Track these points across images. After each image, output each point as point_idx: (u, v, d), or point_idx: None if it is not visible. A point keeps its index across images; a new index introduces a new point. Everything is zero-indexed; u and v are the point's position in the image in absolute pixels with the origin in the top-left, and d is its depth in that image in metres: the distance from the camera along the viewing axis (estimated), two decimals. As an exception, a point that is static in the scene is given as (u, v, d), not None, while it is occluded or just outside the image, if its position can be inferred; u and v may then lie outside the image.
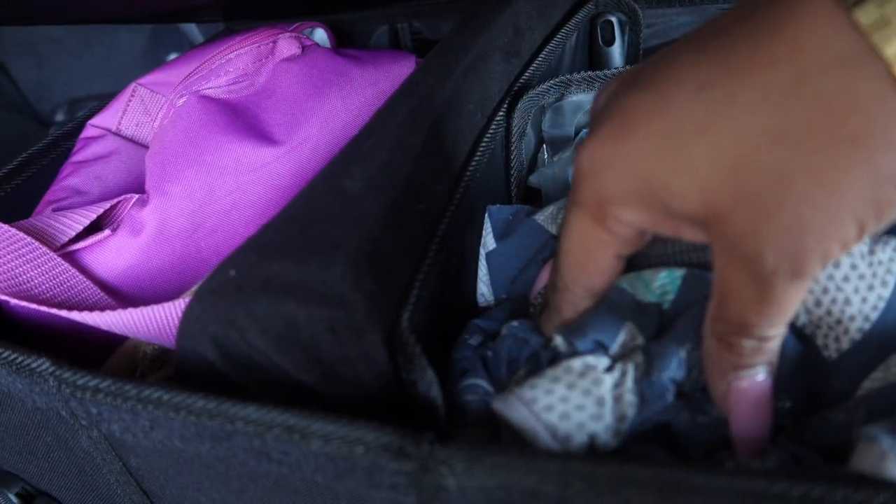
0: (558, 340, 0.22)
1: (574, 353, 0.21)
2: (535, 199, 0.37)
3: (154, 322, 0.27)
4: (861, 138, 0.16)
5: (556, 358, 0.22)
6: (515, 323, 0.24)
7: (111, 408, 0.23)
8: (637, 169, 0.19)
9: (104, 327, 0.28)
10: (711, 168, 0.18)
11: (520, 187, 0.37)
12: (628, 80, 0.20)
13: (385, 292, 0.23)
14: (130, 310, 0.27)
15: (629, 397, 0.20)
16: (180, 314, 0.26)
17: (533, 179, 0.37)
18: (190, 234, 0.33)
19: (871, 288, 0.20)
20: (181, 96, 0.35)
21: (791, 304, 0.18)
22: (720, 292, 0.19)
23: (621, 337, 0.21)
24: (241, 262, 0.23)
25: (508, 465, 0.18)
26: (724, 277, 0.19)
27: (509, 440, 0.21)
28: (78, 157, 0.38)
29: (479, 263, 0.32)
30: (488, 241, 0.32)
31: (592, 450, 0.20)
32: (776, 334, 0.19)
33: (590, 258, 0.22)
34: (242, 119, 0.35)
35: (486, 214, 0.33)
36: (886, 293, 0.20)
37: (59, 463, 0.30)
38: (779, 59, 0.17)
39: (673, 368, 0.20)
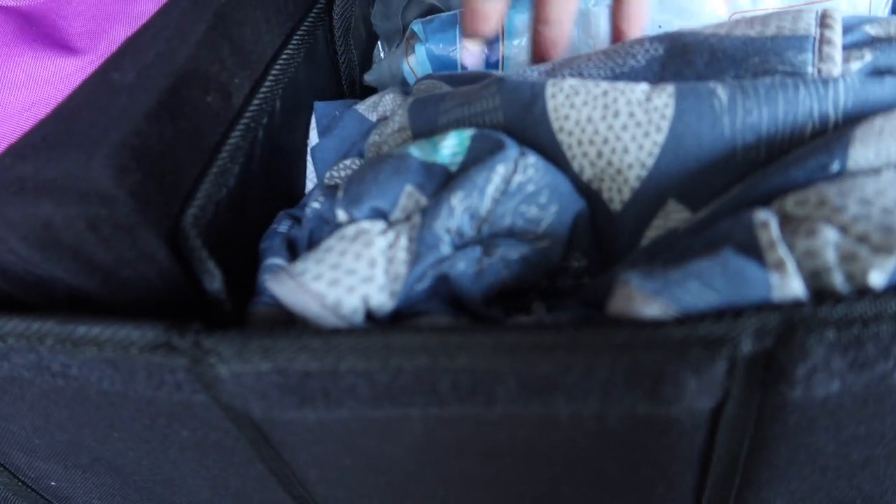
0: (340, 214, 0.21)
1: (352, 223, 0.21)
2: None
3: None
4: None
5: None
6: (317, 204, 0.23)
7: None
8: None
9: None
10: None
11: (354, 86, 0.35)
12: None
13: (160, 188, 0.21)
14: None
15: (402, 255, 0.20)
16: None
17: (368, 77, 0.36)
18: (-15, 156, 0.30)
19: (646, 135, 0.20)
20: (-39, 6, 0.31)
21: None
22: None
23: (402, 201, 0.21)
24: (-3, 168, 0.21)
25: (275, 346, 0.18)
26: None
27: (300, 321, 0.21)
28: None
29: (306, 160, 0.30)
30: (312, 137, 0.30)
31: (369, 315, 0.20)
32: None
33: None
34: (36, 28, 0.32)
35: (314, 112, 0.31)
36: (661, 139, 0.20)
37: None
38: None
39: (444, 217, 0.20)
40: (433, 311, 0.20)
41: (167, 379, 0.20)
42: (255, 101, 0.26)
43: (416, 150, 0.22)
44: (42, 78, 0.31)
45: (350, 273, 0.19)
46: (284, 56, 0.29)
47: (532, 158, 0.21)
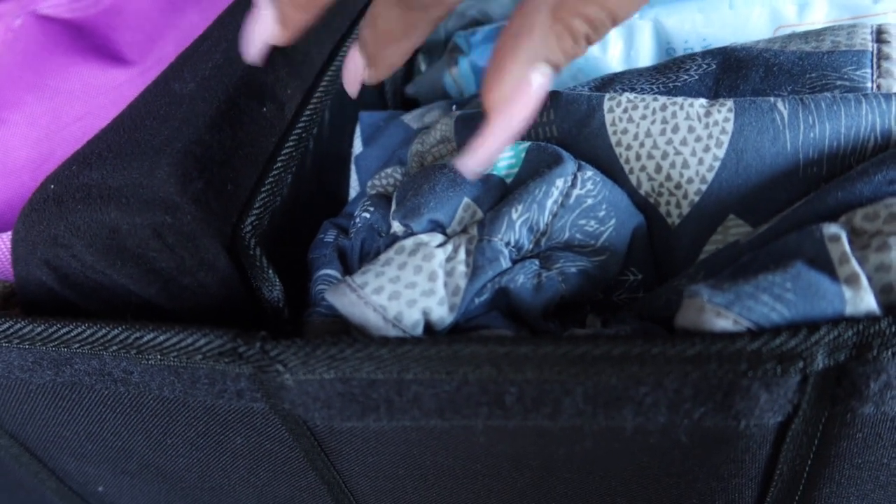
0: (396, 226, 0.22)
1: (410, 235, 0.21)
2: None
3: (-6, 255, 0.26)
4: None
5: (394, 242, 0.21)
6: (367, 214, 0.23)
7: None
8: None
9: (-59, 265, 0.26)
10: None
11: (396, 98, 0.36)
12: None
13: (221, 197, 0.22)
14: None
15: (461, 268, 0.20)
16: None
17: (409, 89, 0.36)
18: (38, 164, 0.30)
19: (706, 149, 0.20)
20: (17, 17, 0.32)
21: None
22: None
23: (459, 213, 0.21)
24: (61, 175, 0.21)
25: (341, 355, 0.18)
26: None
27: (356, 331, 0.21)
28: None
29: (350, 169, 0.31)
30: (357, 146, 0.31)
31: (428, 328, 0.20)
32: (622, 15, 0.17)
33: None
34: (89, 39, 0.32)
35: (359, 122, 0.32)
36: (721, 153, 0.20)
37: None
38: None
39: (504, 230, 0.20)
40: (492, 324, 0.20)
41: (229, 386, 0.20)
42: (307, 112, 0.27)
43: None
44: (95, 88, 0.31)
45: (410, 286, 0.19)
46: (332, 69, 0.29)
47: (590, 172, 0.21)
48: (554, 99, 0.23)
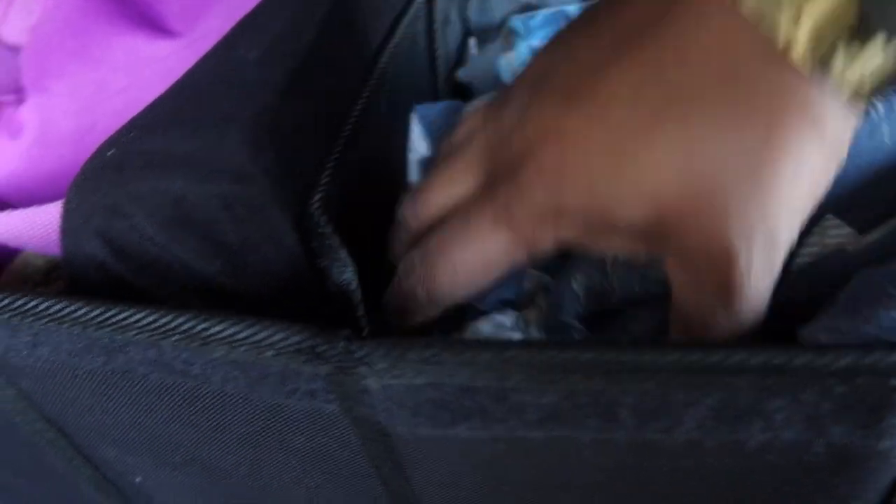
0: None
1: (480, 314, 0.20)
2: (464, 96, 0.35)
3: (38, 227, 0.24)
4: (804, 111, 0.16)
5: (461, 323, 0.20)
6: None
7: (-14, 322, 0.20)
8: (583, 182, 0.18)
9: (-20, 237, 0.25)
10: (664, 170, 0.17)
11: (447, 83, 0.34)
12: (548, 90, 0.19)
13: (290, 169, 0.20)
14: (8, 212, 0.24)
15: None
16: (66, 215, 0.23)
17: (462, 74, 0.35)
18: (80, 137, 0.29)
19: None
20: (59, -16, 0.31)
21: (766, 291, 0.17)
22: (684, 313, 0.18)
23: (525, 286, 0.21)
24: (121, 140, 0.20)
25: (436, 359, 0.16)
26: (688, 296, 0.18)
27: None
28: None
29: (409, 169, 0.29)
30: (419, 146, 0.29)
31: None
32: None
33: (485, 272, 0.20)
34: (133, 8, 0.31)
35: (414, 115, 0.30)
36: None
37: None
38: (710, 52, 0.16)
39: (568, 306, 0.20)
40: None
41: (300, 386, 0.18)
42: (367, 89, 0.25)
43: None
44: (139, 59, 0.30)
45: None
46: (392, 44, 0.28)
47: None
48: None
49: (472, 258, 0.20)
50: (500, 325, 0.20)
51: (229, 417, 0.21)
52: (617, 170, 0.17)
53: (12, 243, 0.25)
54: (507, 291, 0.21)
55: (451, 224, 0.21)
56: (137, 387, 0.21)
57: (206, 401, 0.21)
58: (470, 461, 0.19)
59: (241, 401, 0.20)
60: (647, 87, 0.17)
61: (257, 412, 0.20)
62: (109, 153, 0.20)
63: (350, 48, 0.25)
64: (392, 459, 0.20)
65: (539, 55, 0.21)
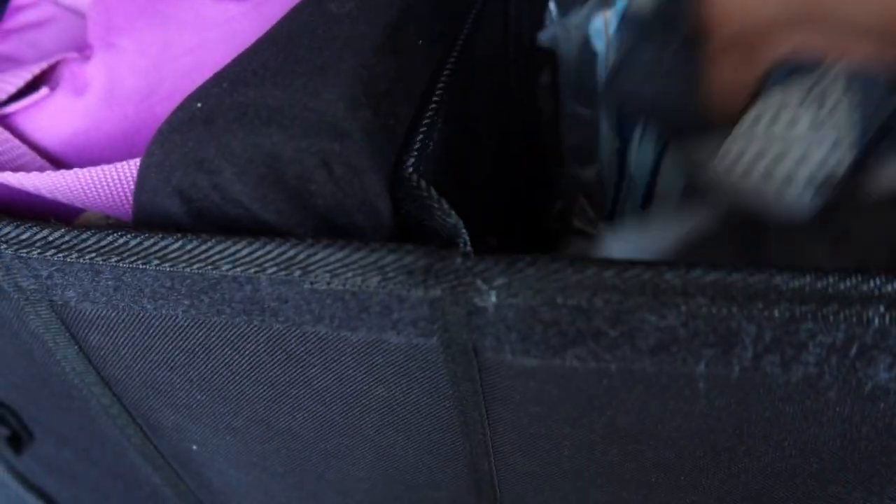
0: None
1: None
2: (545, 62, 0.33)
3: (105, 185, 0.23)
4: None
5: None
6: None
7: (65, 266, 0.19)
8: None
9: (46, 194, 0.24)
10: None
11: (519, 52, 0.33)
12: None
13: (385, 129, 0.19)
14: (76, 170, 0.23)
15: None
16: (136, 175, 0.22)
17: (544, 37, 0.33)
18: (145, 96, 0.28)
19: None
20: (127, -62, 0.30)
21: None
22: None
23: None
24: (210, 93, 0.19)
25: (558, 276, 0.15)
26: None
27: None
28: (6, 24, 0.33)
29: None
30: None
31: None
32: None
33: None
34: (201, -33, 0.30)
35: None
36: None
37: (4, 355, 0.26)
38: None
39: None
40: None
41: (404, 316, 0.17)
42: (453, 54, 0.24)
43: None
44: (207, 19, 0.29)
45: None
46: (474, 11, 0.27)
47: None
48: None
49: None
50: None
51: (311, 367, 0.20)
52: None
53: (76, 203, 0.24)
54: None
55: None
56: (215, 338, 0.20)
57: (291, 346, 0.20)
58: (569, 401, 0.18)
59: (330, 344, 0.19)
60: None
61: (345, 356, 0.19)
62: (198, 105, 0.19)
63: (436, 9, 0.24)
64: (481, 402, 0.19)
65: None
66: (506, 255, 0.16)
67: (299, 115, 0.18)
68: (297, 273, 0.17)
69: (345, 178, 0.18)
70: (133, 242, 0.18)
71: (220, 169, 0.18)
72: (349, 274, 0.16)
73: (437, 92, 0.22)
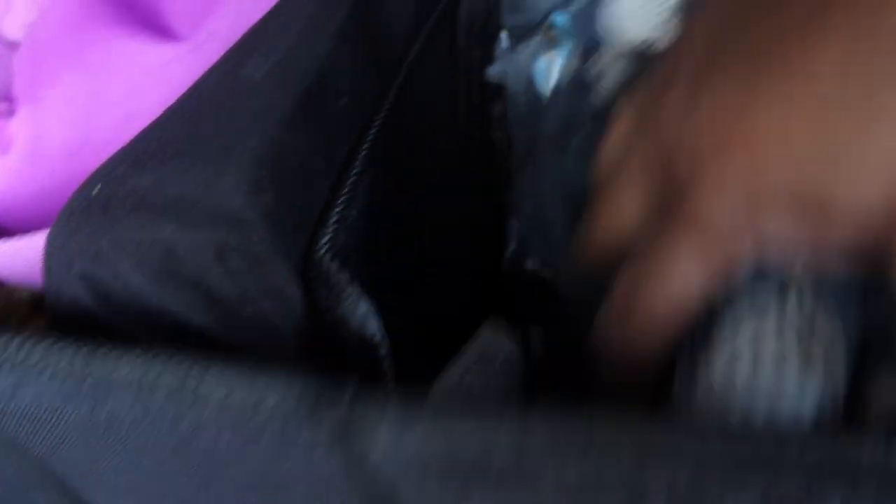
0: None
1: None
2: (493, 94, 0.32)
3: (23, 257, 0.22)
4: None
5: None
6: None
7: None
8: (790, 162, 0.15)
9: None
10: None
11: (470, 85, 0.32)
12: (721, 74, 0.16)
13: (293, 209, 0.18)
14: (-10, 243, 0.22)
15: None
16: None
17: (493, 72, 0.32)
18: (75, 150, 0.27)
19: None
20: (56, -19, 0.29)
21: None
22: None
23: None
24: (109, 175, 0.18)
25: (451, 420, 0.14)
26: None
27: None
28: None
29: None
30: None
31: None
32: None
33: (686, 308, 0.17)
34: (135, 9, 0.29)
35: None
36: None
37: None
38: None
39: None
40: None
41: (299, 446, 0.16)
42: (386, 105, 0.23)
43: None
44: (140, 65, 0.28)
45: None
46: (413, 54, 0.26)
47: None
48: None
49: (673, 293, 0.17)
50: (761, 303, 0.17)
51: (220, 472, 0.19)
52: (834, 147, 0.14)
53: (-3, 272, 0.23)
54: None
55: (635, 267, 0.18)
56: (126, 436, 0.20)
57: (197, 457, 0.19)
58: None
59: (234, 457, 0.18)
60: (857, 59, 0.14)
61: (252, 469, 0.19)
62: (96, 190, 0.18)
63: (367, 59, 0.23)
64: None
65: (690, 37, 0.18)
66: (401, 393, 0.15)
67: (196, 204, 0.17)
68: (187, 399, 0.16)
69: (244, 269, 0.17)
70: (23, 351, 0.17)
71: (116, 261, 0.17)
72: (241, 395, 0.15)
73: (361, 156, 0.21)
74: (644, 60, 0.25)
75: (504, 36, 0.32)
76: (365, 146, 0.21)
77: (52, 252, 0.19)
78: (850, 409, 0.16)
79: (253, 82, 0.19)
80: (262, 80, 0.19)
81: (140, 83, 0.28)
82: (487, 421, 0.14)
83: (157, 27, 0.28)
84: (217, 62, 0.21)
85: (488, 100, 0.32)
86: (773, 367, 0.15)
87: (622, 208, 0.18)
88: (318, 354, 0.19)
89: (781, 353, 0.16)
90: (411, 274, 0.23)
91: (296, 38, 0.20)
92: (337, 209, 0.19)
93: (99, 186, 0.18)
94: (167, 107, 0.20)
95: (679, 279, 0.17)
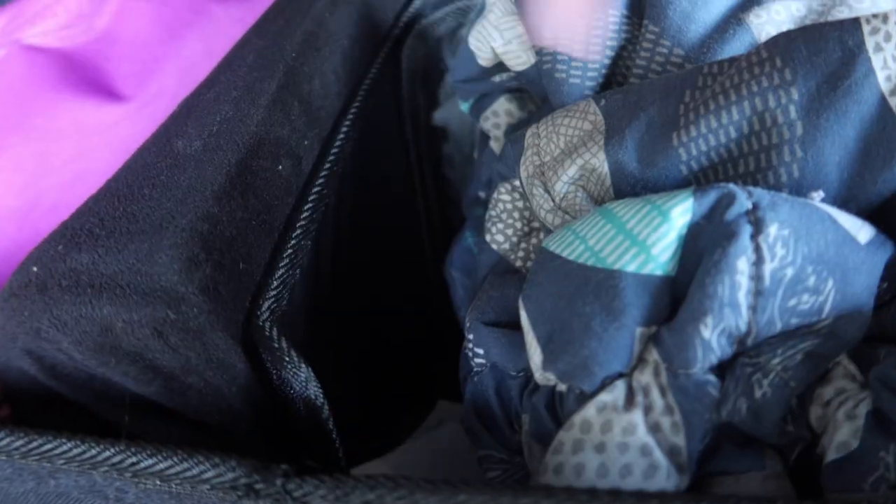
0: (549, 378, 0.17)
1: (584, 399, 0.17)
2: (439, 140, 0.33)
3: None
4: None
5: (554, 403, 0.17)
6: (480, 350, 0.19)
7: None
8: None
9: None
10: None
11: (418, 130, 0.33)
12: None
13: (232, 279, 0.19)
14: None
15: (666, 422, 0.16)
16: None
17: (438, 117, 0.33)
18: (24, 214, 0.27)
19: None
20: (0, 48, 0.29)
21: None
22: None
23: (635, 349, 0.16)
24: (46, 255, 0.18)
25: (382, 501, 0.15)
26: None
27: None
28: None
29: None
30: None
31: None
32: None
33: None
34: (80, 71, 0.29)
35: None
36: None
37: None
38: None
39: (700, 356, 0.16)
40: (732, 468, 0.16)
41: None
42: (326, 164, 0.24)
43: (623, 262, 0.17)
44: (87, 127, 0.28)
45: (626, 474, 0.16)
46: (354, 108, 0.26)
47: (773, 228, 0.16)
48: (787, 48, 0.17)
49: None
50: (608, 406, 0.16)
51: None
52: None
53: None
54: (616, 363, 0.17)
55: None
56: (76, 500, 0.20)
57: None
58: None
59: None
60: None
61: None
62: (35, 269, 0.18)
63: (306, 124, 0.23)
64: None
65: None
66: (332, 474, 0.15)
67: (132, 281, 0.17)
68: (129, 475, 0.16)
69: (184, 343, 0.17)
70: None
71: (57, 339, 0.18)
72: (177, 481, 0.16)
73: (302, 218, 0.21)
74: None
75: (449, 77, 0.33)
76: (307, 208, 0.22)
77: (-5, 329, 0.19)
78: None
79: (187, 155, 0.20)
80: (195, 153, 0.20)
81: (87, 145, 0.28)
82: (417, 495, 0.14)
83: (102, 89, 0.29)
84: (152, 135, 0.21)
85: (437, 140, 0.33)
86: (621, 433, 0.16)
87: None
88: (267, 415, 0.19)
89: (627, 426, 0.16)
90: (357, 332, 0.24)
91: (230, 107, 0.21)
92: (278, 273, 0.20)
93: (35, 267, 0.18)
94: (108, 177, 0.21)
95: None
